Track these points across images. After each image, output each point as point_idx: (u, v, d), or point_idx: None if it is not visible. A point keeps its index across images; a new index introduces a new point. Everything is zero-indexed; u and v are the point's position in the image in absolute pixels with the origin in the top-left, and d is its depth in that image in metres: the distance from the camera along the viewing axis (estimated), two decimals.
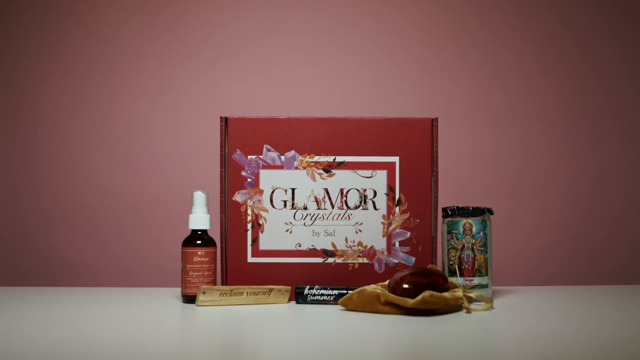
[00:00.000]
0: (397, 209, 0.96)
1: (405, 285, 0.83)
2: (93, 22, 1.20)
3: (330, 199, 0.96)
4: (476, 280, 0.93)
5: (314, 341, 0.68)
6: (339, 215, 0.96)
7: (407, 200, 0.96)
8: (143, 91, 1.19)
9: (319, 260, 0.96)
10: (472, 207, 0.94)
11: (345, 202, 0.96)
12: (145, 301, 0.95)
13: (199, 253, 0.92)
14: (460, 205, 0.95)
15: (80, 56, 1.19)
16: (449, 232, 0.95)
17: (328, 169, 0.96)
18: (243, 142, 0.96)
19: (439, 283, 0.84)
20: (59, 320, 0.80)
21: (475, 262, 0.94)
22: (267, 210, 0.96)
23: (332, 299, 0.91)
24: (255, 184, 0.96)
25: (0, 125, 1.19)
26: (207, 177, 1.12)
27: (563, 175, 1.19)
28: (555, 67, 1.20)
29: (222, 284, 0.95)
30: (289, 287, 0.94)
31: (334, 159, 0.96)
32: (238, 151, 0.96)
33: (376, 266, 0.96)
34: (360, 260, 0.96)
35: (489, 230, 0.95)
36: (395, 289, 0.84)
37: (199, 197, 0.95)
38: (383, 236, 0.96)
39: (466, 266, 0.94)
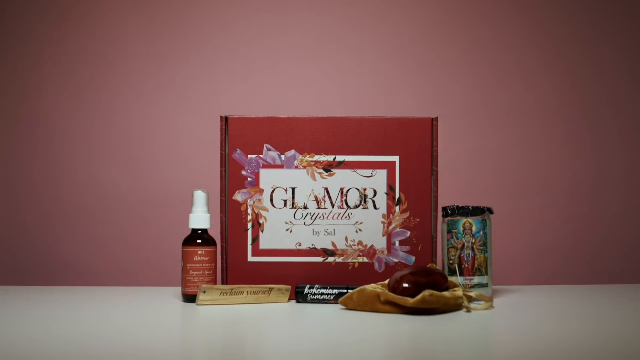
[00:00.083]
0: (397, 208, 0.96)
1: (405, 285, 0.83)
2: (93, 22, 1.20)
3: (330, 198, 0.96)
4: (476, 280, 0.93)
5: (314, 340, 0.68)
6: (339, 214, 0.96)
7: (407, 200, 0.96)
8: (143, 91, 1.19)
9: (319, 259, 0.96)
10: (472, 207, 0.94)
11: (345, 201, 0.96)
12: (145, 300, 0.95)
13: (199, 252, 0.93)
14: (460, 205, 0.95)
15: (80, 56, 1.19)
16: (449, 232, 0.95)
17: (328, 168, 0.96)
18: (243, 141, 0.96)
19: (439, 282, 0.84)
20: (59, 319, 0.80)
21: (475, 261, 0.94)
22: (267, 210, 0.96)
23: (332, 298, 0.91)
24: (256, 183, 0.96)
25: (0, 125, 1.19)
26: (207, 177, 1.12)
27: (563, 174, 1.19)
28: (555, 65, 1.20)
29: (223, 283, 0.95)
30: (289, 286, 0.94)
31: (334, 158, 0.96)
32: (238, 150, 0.96)
33: (376, 265, 0.96)
34: (360, 259, 0.96)
35: (489, 230, 0.95)
36: (395, 288, 0.84)
37: (199, 196, 0.95)
38: (383, 235, 0.96)
39: (466, 265, 0.94)
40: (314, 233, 0.96)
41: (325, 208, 0.96)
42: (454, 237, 0.94)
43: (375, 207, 0.96)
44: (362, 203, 0.96)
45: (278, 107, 1.17)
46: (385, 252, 0.96)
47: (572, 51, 1.20)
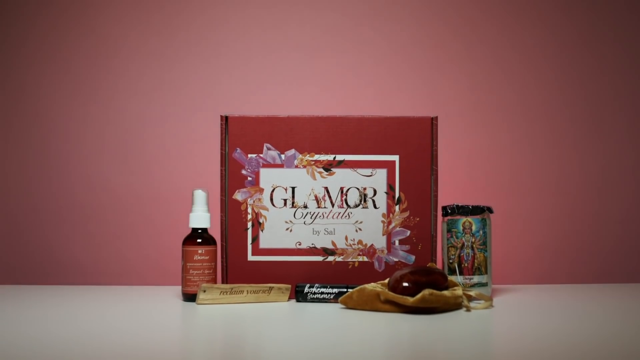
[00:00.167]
0: (397, 207, 0.96)
1: (405, 284, 0.83)
2: (92, 20, 1.20)
3: (330, 197, 0.96)
4: (476, 279, 0.94)
5: (314, 339, 0.68)
6: (339, 213, 0.96)
7: (407, 199, 0.96)
8: (143, 90, 1.19)
9: (319, 258, 0.96)
10: (472, 206, 0.95)
11: (345, 200, 0.96)
12: (145, 299, 0.96)
13: (200, 251, 0.93)
14: (459, 204, 0.95)
15: (80, 55, 1.19)
16: (449, 231, 0.95)
17: (328, 167, 0.96)
18: (243, 140, 0.96)
19: (439, 281, 0.84)
20: (58, 318, 0.80)
21: (475, 261, 0.94)
22: (267, 209, 0.96)
23: (332, 297, 0.91)
24: (256, 182, 0.96)
25: (3, 124, 1.19)
26: (207, 176, 1.12)
27: (563, 174, 1.20)
28: (556, 65, 1.20)
29: (223, 282, 0.96)
30: (289, 286, 0.94)
31: (334, 158, 0.96)
32: (238, 150, 0.96)
33: (376, 264, 0.96)
34: (360, 258, 0.96)
35: (489, 229, 0.95)
36: (395, 287, 0.84)
37: (199, 195, 0.95)
38: (383, 235, 0.96)
39: (466, 264, 0.94)
40: (314, 232, 0.96)
41: (325, 207, 0.96)
42: (454, 237, 0.94)
43: (375, 207, 0.96)
44: (362, 202, 0.96)
45: (278, 107, 1.17)
46: (385, 251, 0.96)
47: (572, 50, 1.20)
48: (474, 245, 0.94)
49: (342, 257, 0.96)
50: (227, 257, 0.95)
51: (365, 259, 0.96)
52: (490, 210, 0.96)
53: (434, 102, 1.19)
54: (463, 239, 0.94)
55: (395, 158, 0.96)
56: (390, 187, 0.96)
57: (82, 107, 1.19)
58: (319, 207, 0.96)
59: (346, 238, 0.96)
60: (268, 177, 0.96)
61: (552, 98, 1.20)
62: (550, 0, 1.21)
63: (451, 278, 0.89)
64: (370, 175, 0.96)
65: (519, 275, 1.17)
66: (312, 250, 0.96)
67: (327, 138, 0.96)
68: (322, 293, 0.91)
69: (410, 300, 0.81)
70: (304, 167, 0.96)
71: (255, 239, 0.96)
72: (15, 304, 0.92)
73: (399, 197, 0.96)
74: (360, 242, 0.96)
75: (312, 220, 0.96)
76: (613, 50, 1.20)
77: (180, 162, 1.19)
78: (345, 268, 0.96)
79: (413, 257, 0.96)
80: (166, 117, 1.19)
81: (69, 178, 1.18)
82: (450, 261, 0.94)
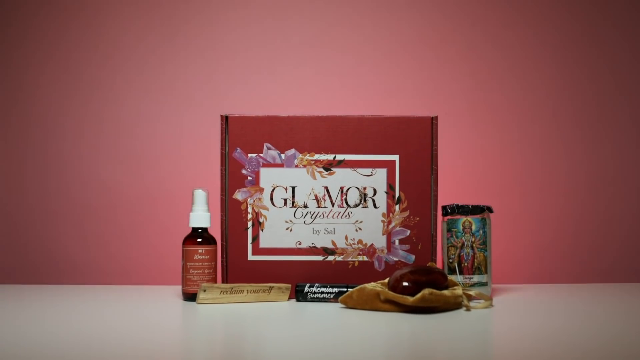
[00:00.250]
0: (397, 207, 0.96)
1: (405, 283, 0.83)
2: (92, 20, 1.20)
3: (330, 197, 0.96)
4: (475, 278, 0.94)
5: (314, 339, 0.68)
6: (339, 213, 0.96)
7: (407, 199, 0.96)
8: (143, 90, 1.20)
9: (319, 258, 0.96)
10: (472, 205, 0.95)
11: (345, 200, 0.96)
12: (145, 299, 0.96)
13: (200, 251, 0.93)
14: (459, 204, 0.95)
15: (83, 56, 1.19)
16: (449, 230, 0.95)
17: (328, 167, 0.96)
18: (243, 140, 0.96)
19: (439, 281, 0.84)
20: (58, 317, 0.80)
21: (475, 260, 0.94)
22: (267, 209, 0.96)
23: (332, 296, 0.91)
24: (256, 182, 0.96)
25: (4, 124, 1.19)
26: (207, 176, 1.12)
27: (563, 173, 1.20)
28: (557, 64, 1.20)
29: (223, 282, 0.96)
30: (289, 285, 0.94)
31: (334, 157, 0.96)
32: (238, 149, 0.96)
33: (376, 264, 0.96)
34: (360, 258, 0.96)
35: (489, 228, 0.95)
36: (395, 286, 0.84)
37: (200, 195, 0.95)
38: (383, 234, 0.96)
39: (466, 264, 0.94)
40: (314, 232, 0.96)
41: (325, 207, 0.96)
42: (454, 236, 0.94)
43: (375, 206, 0.96)
44: (362, 202, 0.96)
45: (278, 106, 1.17)
46: (385, 250, 0.96)
47: (574, 49, 1.21)
48: (474, 245, 0.94)
49: (342, 256, 0.96)
50: (227, 257, 0.95)
51: (365, 258, 0.96)
52: (490, 209, 0.96)
53: (434, 101, 1.19)
54: (463, 238, 0.94)
55: (395, 158, 0.96)
56: (390, 186, 0.96)
57: (81, 106, 1.19)
58: (319, 207, 0.96)
59: (346, 238, 0.96)
60: (268, 177, 0.96)
61: (553, 97, 1.20)
62: (546, 3, 1.21)
63: (451, 277, 0.89)
64: (370, 175, 0.96)
65: (518, 274, 1.18)
66: (312, 250, 0.96)
67: (327, 138, 0.96)
68: (322, 292, 0.91)
69: (410, 299, 0.81)
70: (304, 166, 0.96)
71: (255, 238, 0.96)
72: (14, 303, 0.92)
73: (399, 197, 0.96)
74: (360, 241, 0.96)
75: (312, 219, 0.96)
76: (616, 49, 1.20)
77: (181, 162, 1.19)
78: (345, 267, 0.96)
79: (413, 257, 0.96)
80: (166, 117, 1.19)
81: (68, 177, 1.18)
82: (450, 261, 0.94)
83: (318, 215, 0.96)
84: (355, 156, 0.96)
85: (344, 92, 1.20)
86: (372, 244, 0.96)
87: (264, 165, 0.96)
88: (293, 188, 0.96)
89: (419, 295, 0.81)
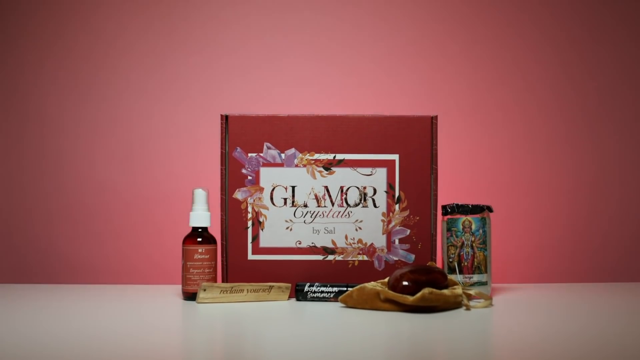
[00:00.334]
0: (396, 206, 0.96)
1: (405, 283, 0.83)
2: (94, 20, 1.20)
3: (330, 196, 0.96)
4: (475, 278, 0.94)
5: (314, 338, 0.68)
6: (339, 212, 0.96)
7: (406, 198, 0.96)
8: (143, 89, 1.20)
9: (319, 257, 0.96)
10: (472, 205, 0.95)
11: (345, 199, 0.96)
12: (146, 298, 0.96)
13: (200, 250, 0.93)
14: (459, 203, 0.95)
15: (82, 55, 1.19)
16: (449, 230, 0.95)
17: (328, 166, 0.96)
18: (243, 139, 0.96)
19: (439, 280, 0.85)
20: (58, 317, 0.80)
21: (475, 260, 0.94)
22: (267, 208, 0.96)
23: (332, 296, 0.91)
24: (256, 181, 0.96)
25: (2, 123, 1.19)
26: (207, 175, 1.12)
27: (562, 172, 1.20)
28: (555, 64, 1.20)
29: (223, 281, 0.96)
30: (289, 285, 0.94)
31: (334, 157, 0.96)
32: (238, 149, 0.96)
33: (376, 263, 0.96)
34: (360, 257, 0.96)
35: (488, 228, 0.95)
36: (395, 286, 0.84)
37: (200, 194, 0.95)
38: (383, 234, 0.96)
39: (465, 263, 0.94)
40: (314, 231, 0.96)
41: (325, 206, 0.96)
42: (454, 236, 0.94)
43: (375, 206, 0.96)
44: (362, 201, 0.96)
45: (278, 106, 1.17)
46: (385, 250, 0.96)
47: (572, 50, 1.21)
48: (474, 244, 0.94)
49: (342, 256, 0.96)
50: (227, 256, 0.95)
51: (365, 257, 0.96)
52: (489, 209, 0.96)
53: (434, 101, 1.19)
54: (463, 237, 0.94)
55: (395, 157, 0.96)
56: (390, 186, 0.96)
57: (82, 106, 1.19)
58: (319, 206, 0.96)
59: (346, 237, 0.96)
60: (268, 176, 0.96)
61: (552, 97, 1.20)
62: (548, 1, 1.21)
63: (451, 277, 0.89)
64: (370, 175, 0.96)
65: (518, 274, 1.18)
66: (312, 249, 0.96)
67: (327, 137, 0.96)
68: (322, 292, 0.91)
69: (410, 299, 0.81)
70: (304, 166, 0.96)
71: (255, 238, 0.96)
72: (14, 303, 0.92)
73: (399, 196, 0.96)
74: (360, 241, 0.96)
75: (312, 219, 0.96)
76: (610, 50, 1.21)
77: (181, 161, 1.19)
78: (345, 267, 0.96)
79: (413, 256, 0.96)
80: (166, 116, 1.19)
81: (68, 177, 1.19)
82: (450, 260, 0.95)
83: (318, 215, 0.96)
84: (355, 156, 0.96)
85: (344, 92, 1.20)
86: (372, 244, 0.96)
87: (264, 165, 0.96)
88: (293, 187, 0.96)
89: (418, 294, 0.81)
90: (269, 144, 0.96)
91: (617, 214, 1.20)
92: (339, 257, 0.96)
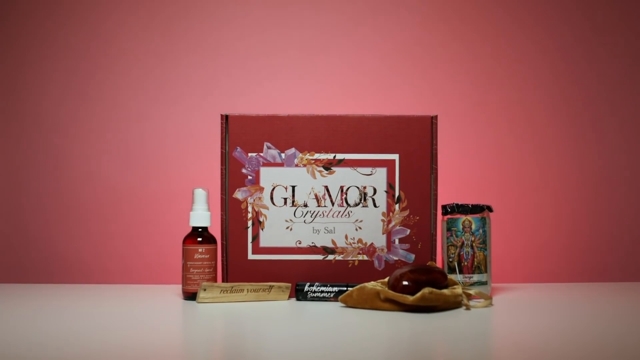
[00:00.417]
0: (396, 206, 0.96)
1: (405, 282, 0.83)
2: (94, 19, 1.20)
3: (330, 196, 0.96)
4: (475, 277, 0.94)
5: (314, 338, 0.68)
6: (339, 212, 0.96)
7: (406, 198, 0.96)
8: (143, 88, 1.20)
9: (319, 257, 0.96)
10: (472, 205, 0.95)
11: (345, 199, 0.96)
12: (146, 298, 0.96)
13: (200, 250, 0.93)
14: (459, 203, 0.95)
15: (82, 54, 1.19)
16: (449, 230, 0.95)
17: (328, 166, 0.96)
18: (243, 139, 0.96)
19: (439, 280, 0.85)
20: (58, 316, 0.80)
21: (475, 259, 0.94)
22: (267, 208, 0.96)
23: (332, 295, 0.91)
24: (256, 181, 0.96)
25: (1, 122, 1.19)
26: (207, 175, 1.12)
27: (562, 172, 1.20)
28: (555, 64, 1.20)
29: (223, 281, 0.96)
30: (289, 284, 0.94)
31: (334, 157, 0.96)
32: (238, 149, 0.96)
33: (376, 263, 0.96)
34: (360, 257, 0.96)
35: (488, 228, 0.95)
36: (395, 285, 0.84)
37: (200, 194, 0.95)
38: (383, 233, 0.96)
39: (465, 263, 0.94)
40: (314, 231, 0.96)
41: (325, 206, 0.96)
42: (454, 235, 0.94)
43: (375, 205, 0.96)
44: (362, 201, 0.96)
45: (278, 106, 1.17)
46: (385, 250, 0.96)
47: (573, 50, 1.21)
48: (474, 244, 0.94)
49: (342, 255, 0.96)
50: (227, 256, 0.95)
51: (365, 257, 0.96)
52: (489, 209, 0.96)
53: (434, 100, 1.19)
54: (463, 237, 0.94)
55: (395, 157, 0.96)
56: (390, 185, 0.96)
57: (83, 106, 1.19)
58: (319, 206, 0.96)
59: (346, 237, 0.96)
60: (268, 176, 0.96)
61: (552, 97, 1.20)
62: (549, 0, 1.21)
63: (451, 277, 0.89)
64: (370, 174, 0.96)
65: (518, 273, 1.18)
66: (312, 249, 0.96)
67: (327, 137, 0.96)
68: (322, 292, 0.91)
69: (410, 298, 0.81)
70: (304, 166, 0.96)
71: (255, 237, 0.96)
72: (14, 302, 0.92)
73: (399, 196, 0.96)
74: (360, 240, 0.96)
75: (312, 219, 0.96)
76: (612, 48, 1.21)
77: (181, 161, 1.19)
78: (345, 267, 0.96)
79: (413, 256, 0.96)
80: (166, 116, 1.19)
81: (68, 176, 1.19)
82: (450, 260, 0.95)
83: (318, 215, 0.96)
84: (355, 155, 0.96)
85: (344, 92, 1.20)
86: (372, 243, 0.96)
87: (264, 165, 0.96)
88: (293, 187, 0.96)
89: (418, 294, 0.81)
90: (269, 144, 0.96)
91: (617, 214, 1.20)
92: (339, 257, 0.96)
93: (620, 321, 0.77)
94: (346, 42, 1.20)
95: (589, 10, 1.21)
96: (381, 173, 0.96)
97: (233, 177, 0.96)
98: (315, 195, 0.96)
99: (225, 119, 0.96)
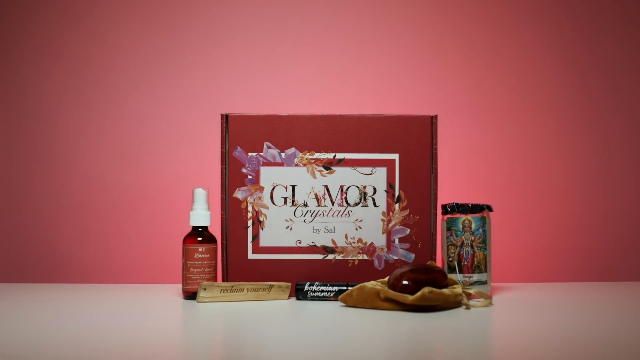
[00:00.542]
0: (396, 205, 0.96)
1: (405, 282, 0.83)
2: (94, 19, 1.20)
3: (330, 195, 0.96)
4: (475, 277, 0.94)
5: (314, 337, 0.68)
6: (339, 212, 0.96)
7: (406, 197, 0.96)
8: (143, 88, 1.20)
9: (319, 256, 0.96)
10: (472, 204, 0.95)
11: (345, 199, 0.96)
12: (146, 298, 0.96)
13: (200, 250, 0.93)
14: (459, 202, 0.95)
15: (81, 53, 1.20)
16: (449, 229, 0.95)
17: (328, 166, 0.96)
18: (243, 139, 0.96)
19: (438, 279, 0.85)
20: (58, 316, 0.80)
21: (475, 259, 0.94)
22: (267, 207, 0.96)
23: (332, 295, 0.91)
24: (256, 181, 0.96)
25: (4, 123, 1.19)
26: (207, 174, 1.12)
27: (562, 172, 1.20)
28: (555, 63, 1.20)
29: (223, 281, 0.96)
30: (289, 284, 0.94)
31: (334, 156, 0.96)
32: (238, 148, 0.96)
33: (376, 263, 0.96)
34: (360, 256, 0.96)
35: (488, 227, 0.95)
36: (394, 285, 0.84)
37: (200, 194, 0.95)
38: (383, 233, 0.96)
39: (465, 263, 0.94)
40: (314, 230, 0.96)
41: (325, 206, 0.96)
42: (454, 235, 0.95)
43: (375, 205, 0.96)
44: (362, 201, 0.96)
45: (278, 105, 1.17)
46: (385, 249, 0.96)
47: (573, 49, 1.21)
48: (474, 244, 0.94)
49: (342, 255, 0.96)
50: (227, 255, 0.96)
51: (365, 257, 0.96)
52: (489, 208, 0.96)
53: (434, 100, 1.19)
54: (463, 237, 0.94)
55: (395, 156, 0.96)
56: (390, 185, 0.96)
57: (83, 105, 1.19)
58: (319, 206, 0.96)
59: (346, 236, 0.96)
60: (268, 176, 0.96)
61: (552, 97, 1.20)
62: (548, 1, 1.21)
63: (451, 276, 0.89)
64: (370, 174, 0.96)
65: (518, 273, 1.18)
66: (312, 249, 0.96)
67: (327, 136, 0.96)
68: (322, 291, 0.91)
69: (410, 298, 0.81)
70: (304, 165, 0.96)
71: (255, 237, 0.96)
72: (14, 302, 0.92)
73: (399, 196, 0.96)
74: (360, 240, 0.96)
75: (312, 218, 0.96)
76: (614, 47, 1.21)
77: (181, 161, 1.19)
78: (345, 266, 0.96)
79: (413, 256, 0.96)
80: (166, 116, 1.19)
81: (69, 176, 1.19)
82: (450, 259, 0.95)
83: (318, 214, 0.96)
84: (355, 155, 0.96)
85: (344, 91, 1.20)
86: (372, 243, 0.96)
87: (264, 164, 0.96)
88: (293, 187, 0.96)
89: (418, 293, 0.81)
90: (269, 144, 0.96)
91: (617, 213, 1.20)
92: (339, 257, 0.96)
93: (621, 321, 0.77)
94: (346, 42, 1.20)
95: (592, 9, 1.21)
96: (381, 173, 0.96)
97: (233, 177, 0.96)
98: (315, 195, 0.96)
99: (226, 118, 0.96)
